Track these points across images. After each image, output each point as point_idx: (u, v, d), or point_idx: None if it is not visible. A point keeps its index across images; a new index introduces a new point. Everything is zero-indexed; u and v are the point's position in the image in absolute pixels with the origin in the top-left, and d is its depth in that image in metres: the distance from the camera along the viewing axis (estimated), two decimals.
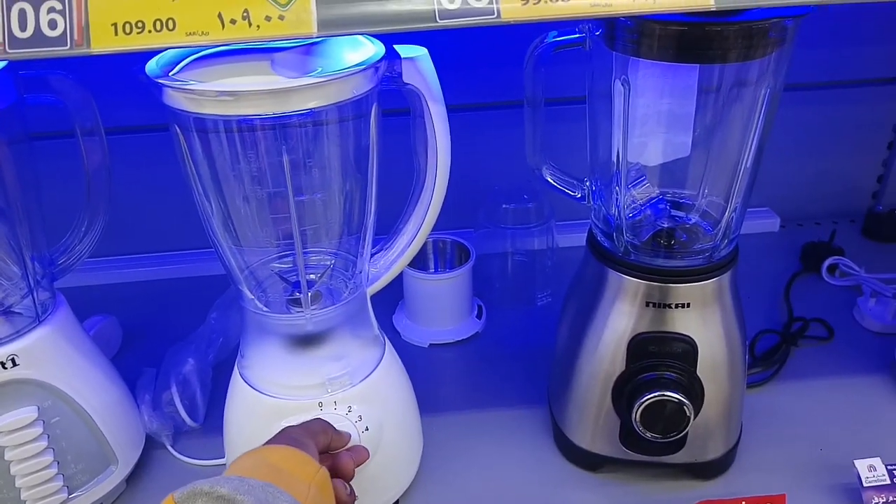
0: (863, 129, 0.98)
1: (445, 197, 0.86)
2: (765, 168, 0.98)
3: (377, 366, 0.58)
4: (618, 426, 0.61)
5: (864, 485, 0.59)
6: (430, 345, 0.80)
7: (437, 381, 0.76)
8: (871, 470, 0.60)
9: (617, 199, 0.59)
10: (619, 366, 0.59)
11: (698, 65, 0.53)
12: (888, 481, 0.59)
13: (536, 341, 0.81)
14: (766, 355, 0.77)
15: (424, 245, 0.82)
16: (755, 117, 0.54)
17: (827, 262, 0.89)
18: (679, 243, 0.60)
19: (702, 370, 0.58)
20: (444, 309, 0.81)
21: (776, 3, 0.43)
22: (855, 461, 0.60)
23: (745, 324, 0.62)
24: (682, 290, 0.57)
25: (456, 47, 0.81)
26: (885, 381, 0.74)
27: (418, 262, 0.82)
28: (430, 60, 0.51)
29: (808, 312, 0.83)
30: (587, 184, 0.61)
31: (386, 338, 0.62)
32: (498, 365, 0.78)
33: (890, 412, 0.71)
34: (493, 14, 0.42)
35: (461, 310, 0.82)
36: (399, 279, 0.80)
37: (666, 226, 0.61)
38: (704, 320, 0.58)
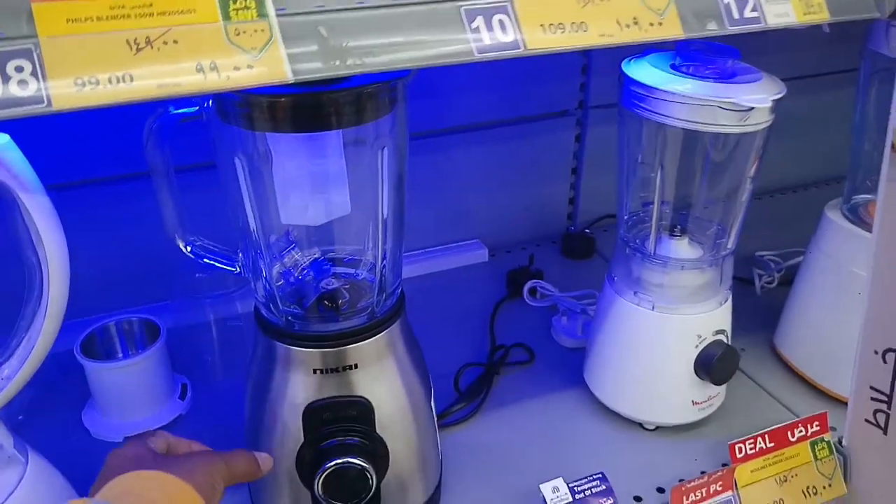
0: (549, 158, 1.07)
1: (131, 271, 0.79)
2: (471, 203, 1.05)
3: (14, 491, 0.51)
4: (305, 495, 0.58)
5: None
6: (125, 438, 0.73)
7: None
8: (554, 491, 0.63)
9: (267, 269, 0.57)
10: (299, 438, 0.57)
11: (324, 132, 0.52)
12: (571, 499, 0.63)
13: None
14: (471, 388, 0.79)
15: (107, 328, 0.76)
16: (380, 172, 0.55)
17: (527, 286, 0.95)
18: (345, 303, 0.59)
19: (382, 428, 0.58)
20: (137, 396, 0.74)
21: (358, 70, 0.44)
22: (540, 485, 0.63)
23: (425, 370, 0.63)
24: (347, 353, 0.56)
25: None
26: (578, 396, 0.79)
27: (100, 350, 0.74)
28: (15, 147, 0.46)
29: (511, 338, 0.87)
30: (241, 254, 0.59)
31: (29, 453, 0.54)
32: None
33: (583, 426, 0.76)
34: (44, 103, 0.38)
35: (158, 394, 0.75)
36: (80, 372, 0.73)
37: (330, 287, 0.60)
38: (376, 378, 0.57)
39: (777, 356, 0.85)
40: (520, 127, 1.02)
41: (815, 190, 1.26)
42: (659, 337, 0.70)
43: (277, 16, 0.42)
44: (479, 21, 0.47)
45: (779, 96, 0.60)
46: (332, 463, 0.55)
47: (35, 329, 0.50)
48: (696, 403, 0.72)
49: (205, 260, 0.58)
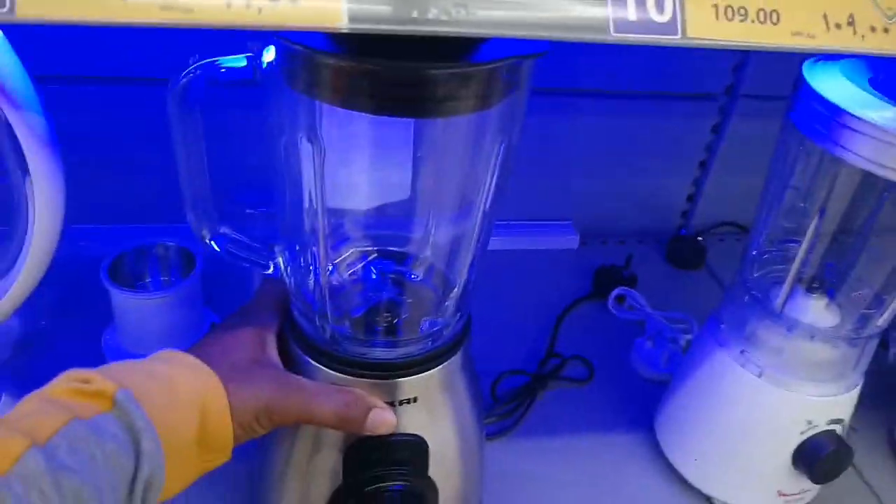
0: (676, 145, 0.91)
1: (174, 187, 0.68)
2: (570, 179, 0.91)
3: None
4: None
5: None
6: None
7: None
8: None
9: (315, 271, 0.45)
10: (336, 479, 0.47)
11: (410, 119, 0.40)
12: None
13: None
14: (512, 397, 0.68)
15: (140, 251, 0.68)
16: (489, 169, 0.43)
17: (615, 292, 0.82)
18: (402, 319, 0.48)
19: (434, 470, 0.48)
20: (162, 330, 0.66)
21: (438, 30, 0.32)
22: None
23: (482, 398, 0.53)
24: (406, 385, 0.45)
25: None
26: (640, 442, 0.67)
27: (129, 272, 0.67)
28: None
29: (581, 346, 0.75)
30: (278, 250, 0.48)
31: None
32: None
33: (638, 481, 0.64)
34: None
35: (185, 330, 0.68)
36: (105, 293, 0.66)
37: (384, 297, 0.49)
38: (434, 413, 0.47)
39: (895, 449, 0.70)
40: (647, 102, 0.87)
41: None
42: (758, 411, 0.56)
43: None
44: None
45: None
46: None
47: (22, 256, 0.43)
48: (782, 495, 0.59)
49: (233, 257, 0.47)
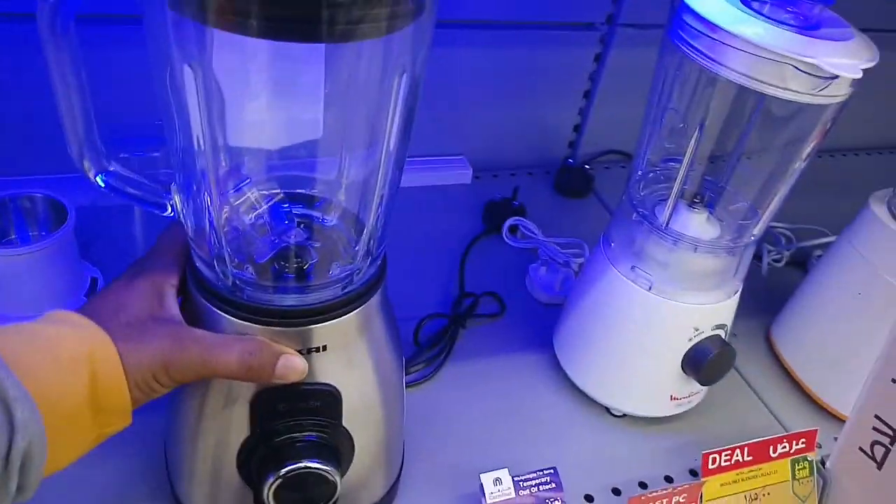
0: (559, 75, 0.92)
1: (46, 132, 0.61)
2: (459, 113, 0.91)
3: None
4: (250, 497, 0.47)
5: (488, 501, 0.54)
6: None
7: None
8: (496, 483, 0.54)
9: (210, 214, 0.42)
10: (244, 429, 0.45)
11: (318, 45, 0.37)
12: (513, 494, 0.54)
13: None
14: (432, 341, 0.68)
15: (4, 204, 0.63)
16: (392, 101, 0.41)
17: (507, 223, 0.83)
18: (310, 265, 0.46)
19: (349, 419, 0.46)
20: (34, 290, 0.62)
21: None
22: (481, 475, 0.54)
23: (400, 342, 0.51)
24: (315, 333, 0.43)
25: None
26: (545, 363, 0.69)
27: None
28: None
29: (483, 281, 0.76)
30: (174, 189, 0.44)
31: None
32: None
33: (545, 400, 0.66)
34: None
35: (61, 288, 0.64)
36: None
37: (290, 242, 0.46)
38: (348, 361, 0.46)
39: (770, 348, 0.76)
40: (531, 33, 0.87)
41: (869, 159, 1.12)
42: (649, 322, 0.59)
43: None
44: None
45: (870, 65, 0.46)
46: (289, 467, 0.44)
47: None
48: (674, 399, 0.63)
49: (125, 197, 0.43)
